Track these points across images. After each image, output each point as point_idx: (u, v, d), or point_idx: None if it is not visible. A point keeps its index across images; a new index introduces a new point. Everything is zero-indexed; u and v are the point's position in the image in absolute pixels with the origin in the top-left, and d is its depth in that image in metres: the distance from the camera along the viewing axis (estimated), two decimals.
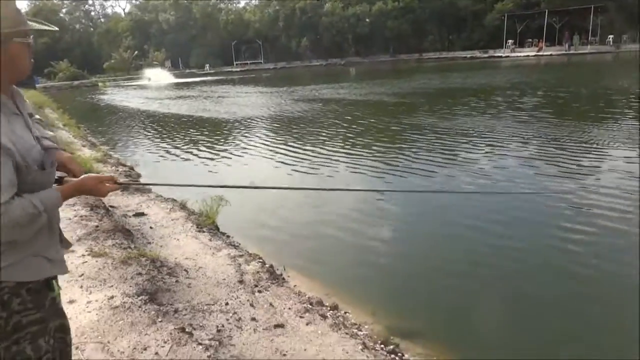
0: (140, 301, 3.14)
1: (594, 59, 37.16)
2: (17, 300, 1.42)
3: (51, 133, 1.66)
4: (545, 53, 44.38)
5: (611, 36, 44.93)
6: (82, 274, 3.49)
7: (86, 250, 3.92)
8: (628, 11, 48.13)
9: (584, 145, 8.59)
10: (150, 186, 7.02)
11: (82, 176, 1.62)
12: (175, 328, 2.85)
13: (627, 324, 3.45)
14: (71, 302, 3.11)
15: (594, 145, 8.52)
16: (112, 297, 3.17)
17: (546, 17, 46.30)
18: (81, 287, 3.31)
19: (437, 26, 60.50)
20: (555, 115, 12.19)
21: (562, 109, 13.40)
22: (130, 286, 3.33)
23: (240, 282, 3.75)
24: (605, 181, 6.53)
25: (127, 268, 3.61)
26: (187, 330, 2.87)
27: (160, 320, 2.93)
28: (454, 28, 60.31)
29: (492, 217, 5.56)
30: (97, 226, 4.50)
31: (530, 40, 49.54)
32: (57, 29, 1.71)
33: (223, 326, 3.04)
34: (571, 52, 43.20)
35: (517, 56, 45.20)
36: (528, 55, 44.68)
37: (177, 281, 3.67)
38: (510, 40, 49.27)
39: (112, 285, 3.35)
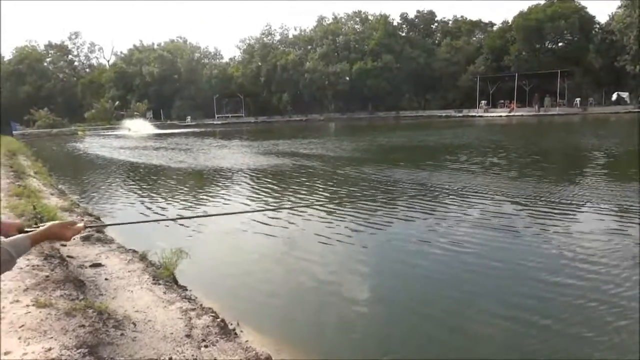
0: (79, 354, 3.06)
1: (562, 119, 38.85)
2: None
3: None
4: (516, 113, 46.27)
5: (578, 99, 47.31)
6: (23, 325, 3.39)
7: (31, 301, 3.82)
8: (593, 76, 50.96)
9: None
10: (113, 234, 6.95)
11: (48, 223, 1.76)
12: None
13: None
14: (7, 353, 3.01)
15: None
16: (49, 349, 3.07)
17: (516, 80, 48.68)
18: (19, 338, 3.22)
19: (414, 85, 62.78)
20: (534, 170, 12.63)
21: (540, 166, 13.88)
22: (70, 338, 3.24)
23: (188, 336, 3.69)
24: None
25: (70, 320, 3.53)
26: None
27: None
28: (429, 88, 62.73)
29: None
30: (47, 276, 4.41)
31: (502, 101, 51.75)
32: None
33: None
34: (541, 113, 45.17)
35: (491, 116, 46.97)
36: (500, 115, 46.47)
37: (122, 334, 3.59)
38: (483, 101, 51.39)
39: (51, 337, 3.26)
